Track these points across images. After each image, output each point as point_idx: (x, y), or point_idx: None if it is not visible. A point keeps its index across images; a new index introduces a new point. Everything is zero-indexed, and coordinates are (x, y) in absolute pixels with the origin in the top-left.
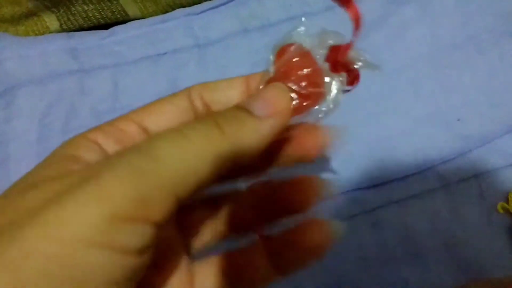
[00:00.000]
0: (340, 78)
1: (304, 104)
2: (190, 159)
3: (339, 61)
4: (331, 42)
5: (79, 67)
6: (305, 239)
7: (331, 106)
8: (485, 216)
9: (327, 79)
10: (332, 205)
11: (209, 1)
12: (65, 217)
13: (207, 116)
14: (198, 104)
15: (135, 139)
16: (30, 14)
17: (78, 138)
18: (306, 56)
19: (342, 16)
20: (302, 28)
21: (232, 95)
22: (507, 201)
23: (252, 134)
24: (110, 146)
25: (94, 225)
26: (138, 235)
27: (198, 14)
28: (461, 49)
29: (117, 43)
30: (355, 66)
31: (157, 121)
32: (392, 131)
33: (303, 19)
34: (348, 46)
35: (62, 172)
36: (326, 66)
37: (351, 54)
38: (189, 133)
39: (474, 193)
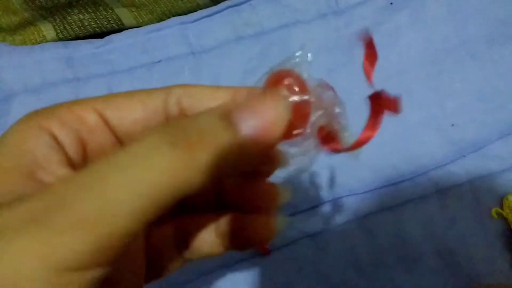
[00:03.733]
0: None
1: (294, 132)
2: (152, 189)
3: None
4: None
5: (74, 76)
6: (250, 230)
7: (308, 163)
8: (479, 222)
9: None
10: (325, 211)
11: (204, 10)
12: (4, 265)
13: (175, 128)
14: (174, 108)
15: (94, 133)
16: (27, 24)
17: (30, 125)
18: (300, 84)
19: (334, 24)
20: (299, 58)
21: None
22: (501, 206)
23: (229, 156)
24: (66, 139)
25: (36, 278)
26: (89, 280)
27: (192, 22)
28: (454, 55)
29: (112, 52)
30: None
31: (122, 117)
32: (385, 136)
33: (299, 53)
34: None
35: (11, 189)
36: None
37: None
38: (149, 157)
39: (468, 198)
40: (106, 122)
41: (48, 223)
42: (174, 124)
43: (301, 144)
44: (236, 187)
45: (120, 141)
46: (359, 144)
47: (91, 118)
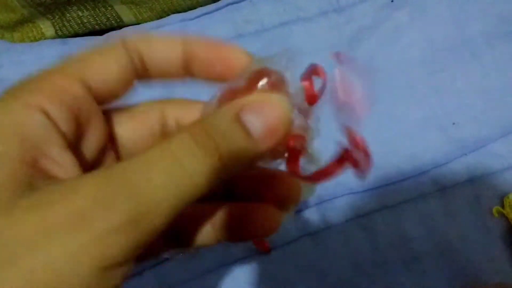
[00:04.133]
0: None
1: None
2: (185, 190)
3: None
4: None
5: None
6: (254, 220)
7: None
8: (480, 221)
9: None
10: (326, 209)
11: (204, 7)
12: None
13: (201, 130)
14: (136, 60)
15: (81, 103)
16: (25, 21)
17: (18, 104)
18: (280, 85)
19: (335, 21)
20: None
21: (172, 58)
22: (502, 205)
23: (244, 154)
24: (58, 115)
25: (83, 276)
26: (126, 272)
27: (192, 19)
28: (455, 53)
29: None
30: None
31: (99, 78)
32: (386, 135)
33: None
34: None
35: (16, 180)
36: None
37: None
38: (183, 159)
39: (469, 197)
40: (89, 89)
41: (96, 224)
42: (200, 127)
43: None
44: (248, 178)
45: (100, 103)
46: (316, 177)
47: (75, 87)
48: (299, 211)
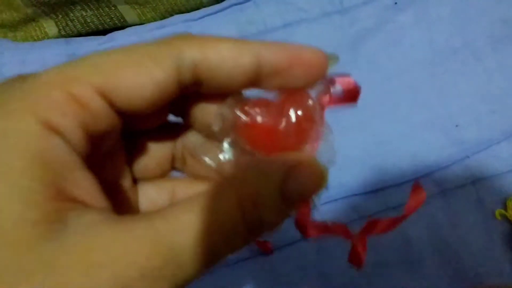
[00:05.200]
0: None
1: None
2: (220, 253)
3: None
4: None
5: None
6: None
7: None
8: (482, 223)
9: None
10: (328, 211)
11: (207, 7)
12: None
13: (248, 198)
14: (188, 77)
15: (98, 118)
16: (29, 20)
17: (30, 120)
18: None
19: (339, 23)
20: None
21: (238, 67)
22: (505, 207)
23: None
24: (72, 133)
25: None
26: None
27: (196, 20)
28: (458, 55)
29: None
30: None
31: (128, 97)
32: (389, 136)
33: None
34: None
35: (47, 216)
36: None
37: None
38: (227, 226)
39: (472, 199)
40: (110, 103)
41: None
42: (247, 192)
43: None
44: None
45: (126, 121)
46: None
47: (94, 102)
48: None
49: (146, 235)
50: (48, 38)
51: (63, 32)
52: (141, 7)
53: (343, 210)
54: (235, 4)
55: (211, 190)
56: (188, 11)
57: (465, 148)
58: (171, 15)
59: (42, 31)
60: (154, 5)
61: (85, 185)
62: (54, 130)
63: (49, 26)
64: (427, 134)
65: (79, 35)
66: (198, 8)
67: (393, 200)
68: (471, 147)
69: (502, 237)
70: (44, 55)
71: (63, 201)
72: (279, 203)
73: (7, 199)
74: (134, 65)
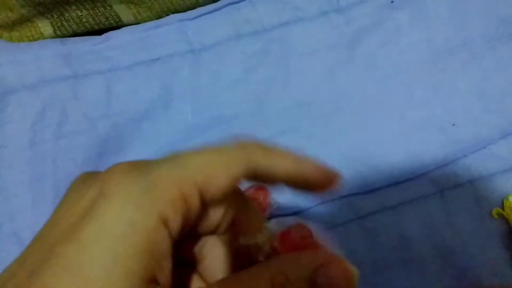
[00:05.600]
0: None
1: None
2: None
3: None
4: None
5: (72, 73)
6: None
7: None
8: (480, 222)
9: None
10: (325, 210)
11: (203, 7)
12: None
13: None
14: (250, 169)
15: (194, 212)
16: (24, 20)
17: (153, 222)
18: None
19: (335, 21)
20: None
21: (286, 174)
22: (502, 207)
23: None
24: (176, 227)
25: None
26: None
27: (192, 19)
28: (456, 54)
29: (110, 49)
30: None
31: (212, 190)
32: (386, 136)
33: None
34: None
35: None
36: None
37: None
38: None
39: (469, 199)
40: (201, 197)
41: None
42: (278, 270)
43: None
44: None
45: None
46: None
47: (194, 198)
48: (299, 212)
49: None
50: (43, 38)
51: (58, 32)
52: (137, 6)
53: (340, 210)
54: (231, 3)
55: (250, 270)
56: (184, 11)
57: (462, 147)
58: (167, 14)
59: (38, 31)
60: (149, 5)
61: (167, 271)
62: (166, 224)
63: (45, 26)
64: (424, 133)
65: (75, 35)
66: (194, 7)
67: (390, 200)
68: (468, 146)
69: (499, 236)
70: (39, 55)
71: (152, 284)
72: None
73: (118, 277)
74: (224, 166)
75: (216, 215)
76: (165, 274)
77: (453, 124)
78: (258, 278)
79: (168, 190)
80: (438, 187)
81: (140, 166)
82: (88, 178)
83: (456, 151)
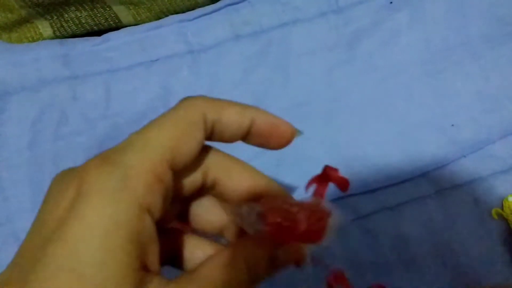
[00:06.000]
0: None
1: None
2: None
3: None
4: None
5: (71, 74)
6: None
7: None
8: (479, 223)
9: None
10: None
11: (202, 8)
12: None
13: None
14: (208, 129)
15: (170, 190)
16: (23, 21)
17: (133, 210)
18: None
19: (334, 22)
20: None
21: (240, 127)
22: (501, 207)
23: None
24: (157, 210)
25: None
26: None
27: (191, 20)
28: (454, 54)
29: (109, 50)
30: None
31: (182, 160)
32: (385, 136)
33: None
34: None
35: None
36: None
37: None
38: None
39: (468, 199)
40: (173, 171)
41: None
42: (249, 252)
43: None
44: None
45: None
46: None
47: (168, 175)
48: None
49: None
50: (42, 39)
51: (57, 33)
52: (136, 7)
53: (340, 209)
54: (230, 4)
55: (227, 254)
56: (183, 11)
57: (461, 147)
58: (166, 15)
59: (37, 32)
60: (149, 6)
61: (155, 255)
62: (147, 210)
63: (44, 27)
64: (423, 133)
65: (74, 36)
66: (193, 8)
67: (389, 200)
68: (467, 146)
69: (499, 236)
70: (38, 56)
71: (142, 271)
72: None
73: (111, 271)
74: (186, 135)
75: (196, 176)
76: (154, 258)
77: (452, 125)
78: (237, 259)
79: (143, 177)
80: (437, 188)
81: (111, 158)
82: (66, 176)
83: (455, 152)
